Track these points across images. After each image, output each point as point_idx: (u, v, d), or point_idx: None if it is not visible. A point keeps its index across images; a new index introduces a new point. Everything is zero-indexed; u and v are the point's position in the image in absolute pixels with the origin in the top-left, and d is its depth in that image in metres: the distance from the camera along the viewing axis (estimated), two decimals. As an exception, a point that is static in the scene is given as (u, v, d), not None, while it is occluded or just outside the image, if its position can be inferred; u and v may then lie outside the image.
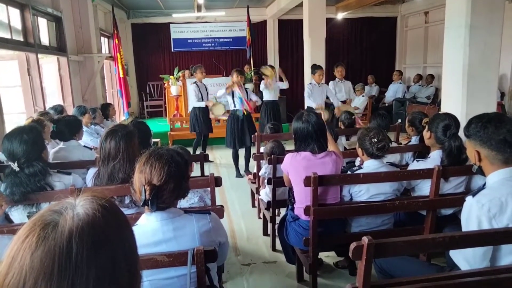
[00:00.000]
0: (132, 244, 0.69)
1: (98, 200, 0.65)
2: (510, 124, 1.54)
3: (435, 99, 8.55)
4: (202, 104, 5.94)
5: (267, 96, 6.40)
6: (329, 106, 5.95)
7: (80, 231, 0.58)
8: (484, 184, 1.61)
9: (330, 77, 6.88)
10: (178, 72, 8.90)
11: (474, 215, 1.52)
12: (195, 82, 5.96)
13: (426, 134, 2.64)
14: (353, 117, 4.12)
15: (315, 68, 5.74)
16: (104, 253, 0.60)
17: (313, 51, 6.81)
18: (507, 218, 1.48)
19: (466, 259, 1.56)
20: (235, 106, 5.39)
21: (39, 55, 4.96)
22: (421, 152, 3.07)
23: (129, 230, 0.69)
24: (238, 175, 5.49)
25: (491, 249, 1.53)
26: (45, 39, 5.42)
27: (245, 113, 5.30)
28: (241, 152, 5.53)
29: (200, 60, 10.48)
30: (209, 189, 2.41)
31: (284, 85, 6.50)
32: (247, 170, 5.54)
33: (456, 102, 3.55)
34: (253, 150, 4.10)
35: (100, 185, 2.14)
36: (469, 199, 1.56)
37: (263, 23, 10.39)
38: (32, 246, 0.56)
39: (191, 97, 6.19)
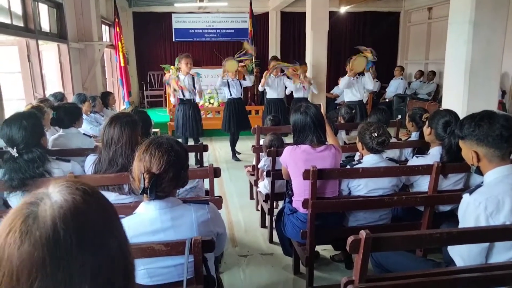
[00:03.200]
0: (121, 228, 0.67)
1: (75, 185, 0.62)
2: (502, 119, 1.54)
3: (436, 96, 8.53)
4: (173, 101, 5.40)
5: (270, 93, 5.98)
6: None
7: (62, 217, 0.56)
8: (482, 182, 1.62)
9: (332, 71, 6.83)
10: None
11: (471, 213, 1.52)
12: (177, 76, 5.29)
13: (426, 130, 2.64)
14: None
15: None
16: (93, 237, 0.59)
17: (316, 44, 6.77)
18: (504, 216, 1.48)
19: (461, 256, 1.57)
20: (231, 95, 5.59)
21: (40, 42, 4.92)
22: (421, 148, 3.07)
23: (114, 213, 0.67)
24: (234, 157, 5.70)
25: (486, 248, 1.53)
26: (45, 25, 5.38)
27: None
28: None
29: (201, 50, 10.44)
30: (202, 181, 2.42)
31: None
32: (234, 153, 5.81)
33: (457, 99, 3.54)
34: (252, 142, 4.09)
35: (100, 171, 2.14)
36: (466, 196, 1.56)
37: (266, 15, 10.31)
38: (17, 241, 0.54)
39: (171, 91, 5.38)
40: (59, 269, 0.54)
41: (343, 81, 5.66)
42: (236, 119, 5.62)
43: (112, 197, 2.22)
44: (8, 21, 4.32)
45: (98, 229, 0.60)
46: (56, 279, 0.54)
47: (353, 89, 5.67)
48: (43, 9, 5.35)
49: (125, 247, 0.65)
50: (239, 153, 5.98)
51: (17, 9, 4.60)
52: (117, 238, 0.64)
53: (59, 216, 0.56)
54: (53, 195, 0.60)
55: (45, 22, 5.39)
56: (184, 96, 5.28)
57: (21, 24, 4.62)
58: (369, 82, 5.61)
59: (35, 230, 0.54)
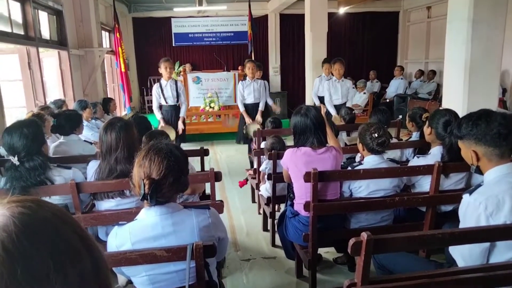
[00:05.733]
0: (78, 225, 0.60)
1: (9, 201, 0.55)
2: (499, 117, 1.54)
3: (437, 95, 8.51)
4: (158, 116, 4.97)
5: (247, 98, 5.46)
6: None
7: (3, 227, 0.51)
8: (482, 181, 1.61)
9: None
10: (179, 67, 8.89)
11: (471, 214, 1.52)
12: (158, 82, 5.03)
13: (426, 130, 2.63)
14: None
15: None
16: (40, 233, 0.53)
17: (315, 45, 6.78)
18: (504, 216, 1.47)
19: (462, 256, 1.57)
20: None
21: (40, 49, 4.95)
22: (422, 148, 3.06)
23: (62, 211, 0.60)
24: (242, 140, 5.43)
25: (488, 248, 1.52)
26: (45, 32, 5.40)
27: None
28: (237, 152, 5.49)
29: (201, 54, 10.47)
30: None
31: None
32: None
33: (457, 97, 3.53)
34: (253, 146, 4.09)
35: (101, 179, 2.15)
36: (466, 197, 1.56)
37: (265, 18, 10.34)
38: None
39: (154, 103, 5.06)
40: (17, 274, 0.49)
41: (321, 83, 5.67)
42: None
43: (113, 202, 2.23)
44: (8, 29, 4.35)
45: (52, 232, 0.54)
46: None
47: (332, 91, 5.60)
48: (43, 16, 5.38)
49: (96, 255, 0.59)
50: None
51: (17, 17, 4.62)
52: (84, 244, 0.58)
53: (5, 235, 0.50)
54: None
55: (45, 29, 5.42)
56: (166, 102, 5.02)
57: (22, 32, 4.65)
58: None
59: None
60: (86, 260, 0.57)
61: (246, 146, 5.45)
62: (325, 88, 5.49)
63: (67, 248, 0.55)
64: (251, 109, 5.35)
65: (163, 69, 4.87)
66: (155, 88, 5.00)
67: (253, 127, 5.04)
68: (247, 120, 5.26)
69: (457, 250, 1.60)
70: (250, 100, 5.34)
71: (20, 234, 0.51)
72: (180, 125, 5.04)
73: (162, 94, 4.96)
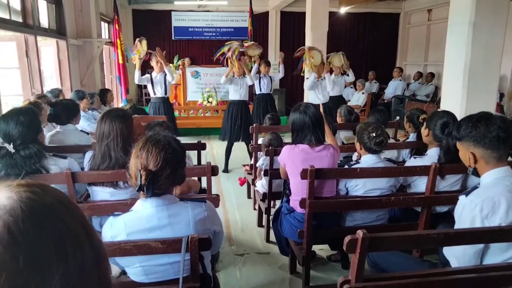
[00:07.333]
0: (81, 213, 0.60)
1: (15, 183, 0.55)
2: (499, 120, 1.54)
3: (435, 98, 8.55)
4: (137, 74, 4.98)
5: (233, 95, 5.37)
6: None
7: (10, 211, 0.50)
8: (478, 184, 1.62)
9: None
10: (178, 61, 8.85)
11: (466, 215, 1.52)
12: (151, 75, 5.13)
13: (424, 131, 2.64)
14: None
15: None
16: (47, 221, 0.52)
17: (315, 44, 6.73)
18: (500, 218, 1.48)
19: (456, 256, 1.57)
20: (260, 90, 5.62)
21: (38, 38, 4.90)
22: (419, 149, 3.07)
23: (67, 199, 0.60)
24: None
25: (481, 249, 1.53)
26: (44, 21, 5.35)
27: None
28: (236, 147, 5.44)
29: (200, 49, 10.42)
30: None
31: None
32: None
33: (456, 100, 3.54)
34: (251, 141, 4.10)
35: (94, 167, 2.15)
36: (462, 198, 1.56)
37: (265, 14, 10.30)
38: None
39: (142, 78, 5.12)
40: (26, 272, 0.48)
41: (308, 82, 5.63)
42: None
43: (108, 194, 2.22)
44: (7, 16, 4.30)
45: (57, 219, 0.54)
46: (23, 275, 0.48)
47: (317, 91, 5.66)
48: (42, 5, 5.33)
49: (97, 244, 0.59)
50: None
51: (16, 4, 4.58)
52: (86, 233, 0.57)
53: (6, 212, 0.50)
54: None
55: (44, 18, 5.37)
56: (155, 93, 5.12)
57: (20, 20, 4.60)
58: (328, 85, 5.66)
59: None
60: (87, 250, 0.56)
61: (243, 141, 5.43)
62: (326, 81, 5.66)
63: (70, 237, 0.54)
64: (238, 104, 5.32)
65: (154, 62, 5.05)
66: (148, 75, 5.13)
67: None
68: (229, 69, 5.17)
69: (451, 251, 1.60)
70: (236, 97, 5.32)
71: (26, 220, 0.50)
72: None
73: (152, 86, 5.12)
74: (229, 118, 5.30)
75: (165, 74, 5.07)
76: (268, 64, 6.01)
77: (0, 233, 0.48)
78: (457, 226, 1.59)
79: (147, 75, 5.15)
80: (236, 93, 5.29)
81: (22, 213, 0.50)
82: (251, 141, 4.05)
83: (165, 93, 5.17)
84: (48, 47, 5.65)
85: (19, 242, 0.49)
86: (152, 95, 5.18)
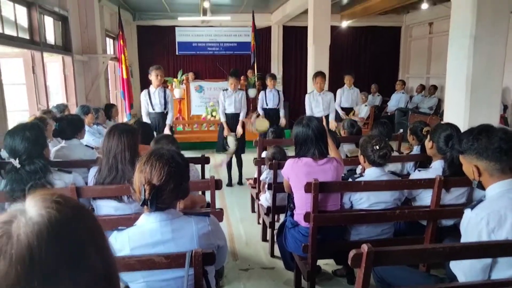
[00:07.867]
0: (105, 242, 0.65)
1: (51, 197, 0.60)
2: (500, 132, 1.54)
3: (438, 110, 8.54)
4: (146, 120, 4.89)
5: (264, 104, 5.97)
6: None
7: (37, 233, 0.54)
8: (484, 196, 1.60)
9: (333, 85, 6.85)
10: (182, 75, 8.94)
11: (472, 229, 1.50)
12: (146, 89, 4.99)
13: (428, 144, 2.63)
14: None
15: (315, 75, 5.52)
16: (72, 253, 0.56)
17: (317, 58, 6.81)
18: (507, 232, 1.46)
19: (463, 271, 1.55)
20: (267, 105, 5.69)
21: (44, 54, 4.98)
22: (423, 161, 3.06)
23: (97, 226, 0.64)
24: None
25: (489, 264, 1.51)
26: (50, 38, 5.45)
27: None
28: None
29: (204, 63, 10.53)
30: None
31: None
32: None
33: (458, 113, 3.54)
34: (254, 155, 4.09)
35: (100, 181, 2.15)
36: (467, 212, 1.54)
37: (268, 29, 10.43)
38: None
39: (142, 109, 5.04)
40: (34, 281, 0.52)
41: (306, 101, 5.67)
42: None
43: (112, 208, 2.21)
44: (14, 33, 4.38)
45: (77, 243, 0.58)
46: None
47: (313, 105, 5.61)
48: (49, 22, 5.43)
49: (109, 263, 0.62)
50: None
51: (23, 21, 4.67)
52: (100, 254, 0.61)
53: (34, 233, 0.54)
54: (29, 210, 0.57)
55: (51, 34, 5.47)
56: (154, 109, 4.96)
57: (27, 37, 4.69)
58: (320, 102, 5.58)
59: (9, 249, 0.52)
60: (98, 266, 0.59)
61: (247, 154, 5.43)
62: (307, 102, 5.62)
63: (83, 258, 0.57)
64: (231, 118, 5.39)
65: (153, 76, 4.83)
66: (143, 95, 4.94)
67: (231, 139, 5.14)
68: (226, 131, 5.27)
69: (458, 265, 1.58)
70: (230, 110, 5.37)
71: (49, 250, 0.53)
72: (167, 132, 4.97)
73: (150, 101, 4.92)
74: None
75: (164, 89, 5.00)
76: (273, 77, 6.06)
77: (21, 253, 0.52)
78: (463, 240, 1.57)
79: (145, 98, 4.94)
80: (230, 106, 5.35)
81: (48, 238, 0.54)
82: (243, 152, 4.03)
83: (164, 108, 5.01)
84: (54, 63, 5.73)
85: (36, 269, 0.52)
86: (150, 110, 4.98)
